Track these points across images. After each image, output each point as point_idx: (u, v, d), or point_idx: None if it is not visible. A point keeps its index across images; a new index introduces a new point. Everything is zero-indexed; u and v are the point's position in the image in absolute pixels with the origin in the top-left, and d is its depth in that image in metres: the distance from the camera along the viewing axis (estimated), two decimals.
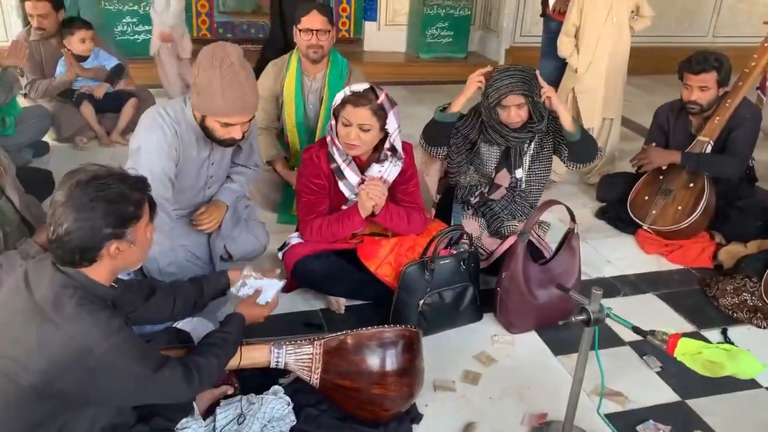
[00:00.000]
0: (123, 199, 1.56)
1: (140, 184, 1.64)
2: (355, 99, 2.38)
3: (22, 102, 4.04)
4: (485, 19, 6.84)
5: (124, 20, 5.55)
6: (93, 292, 1.58)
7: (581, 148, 2.87)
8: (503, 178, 2.96)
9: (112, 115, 4.21)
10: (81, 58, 4.11)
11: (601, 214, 3.69)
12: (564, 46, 3.88)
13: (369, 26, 6.57)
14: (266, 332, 2.37)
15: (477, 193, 3.00)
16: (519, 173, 2.92)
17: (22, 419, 1.56)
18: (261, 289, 2.16)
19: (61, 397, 1.56)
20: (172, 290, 2.06)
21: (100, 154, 4.07)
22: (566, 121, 2.80)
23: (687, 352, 1.63)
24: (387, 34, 6.58)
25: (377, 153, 2.54)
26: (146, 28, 5.59)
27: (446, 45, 6.52)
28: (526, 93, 2.68)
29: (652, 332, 1.75)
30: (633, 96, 6.02)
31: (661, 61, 6.90)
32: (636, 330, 1.80)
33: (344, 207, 2.60)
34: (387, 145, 2.49)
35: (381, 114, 2.41)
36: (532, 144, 2.90)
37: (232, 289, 2.19)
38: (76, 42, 4.06)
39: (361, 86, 2.41)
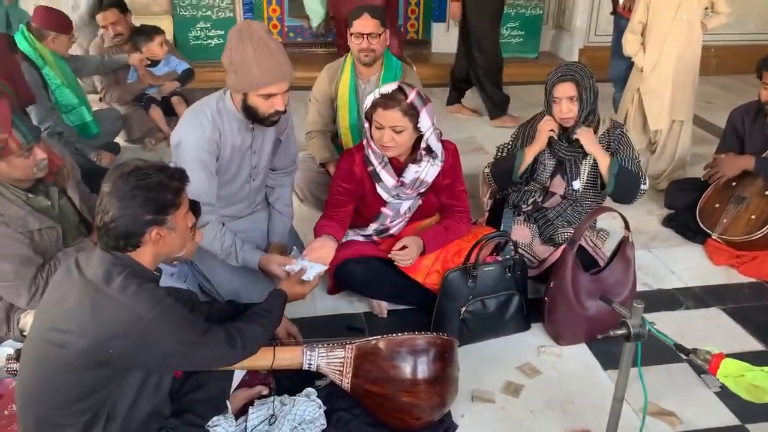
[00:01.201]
0: (161, 188, 1.67)
1: (178, 174, 1.74)
2: (384, 101, 2.34)
3: (96, 105, 4.27)
4: (558, 18, 6.64)
5: (198, 26, 5.74)
6: (141, 273, 1.69)
7: (616, 195, 2.82)
8: (558, 186, 2.86)
9: (177, 118, 4.36)
10: (152, 64, 4.28)
11: (668, 222, 3.49)
12: (629, 44, 3.71)
13: (437, 27, 6.49)
14: (308, 334, 2.39)
15: (531, 201, 2.92)
16: (576, 184, 2.82)
17: (68, 391, 1.67)
18: (305, 269, 2.25)
19: (108, 366, 1.66)
20: (206, 312, 2.09)
21: (167, 154, 4.17)
22: (602, 168, 2.76)
23: (730, 374, 1.52)
24: (456, 35, 6.45)
25: (414, 153, 2.50)
26: (219, 32, 5.77)
27: (517, 45, 6.37)
28: (573, 78, 2.63)
29: (695, 351, 1.64)
30: (716, 97, 5.69)
31: (749, 61, 6.49)
32: (678, 348, 1.68)
33: (383, 209, 2.59)
34: (423, 145, 2.45)
35: (413, 113, 2.36)
36: (590, 157, 2.79)
37: None
38: (156, 46, 4.23)
39: (389, 87, 2.37)
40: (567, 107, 2.67)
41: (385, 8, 3.20)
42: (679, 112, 3.73)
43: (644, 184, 2.84)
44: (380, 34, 3.05)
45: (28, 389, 1.73)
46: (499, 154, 3.02)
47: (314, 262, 2.32)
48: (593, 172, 2.82)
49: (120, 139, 4.27)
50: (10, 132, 2.08)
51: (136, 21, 4.62)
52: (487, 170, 3.01)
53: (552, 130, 2.75)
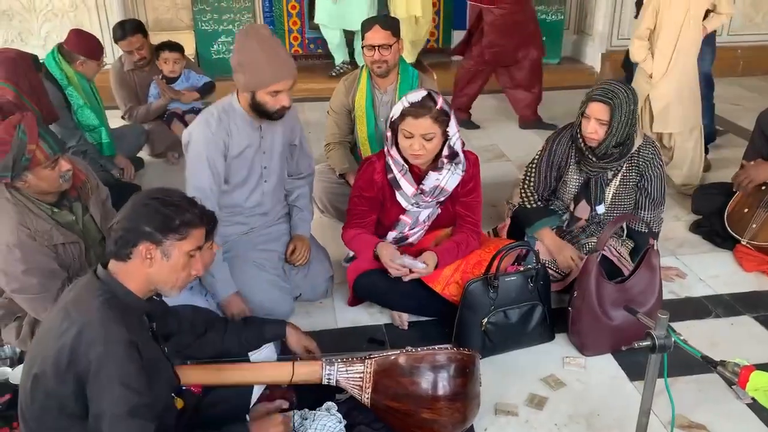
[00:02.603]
0: (174, 209, 1.62)
1: (201, 211, 1.67)
2: (415, 110, 2.33)
3: (119, 122, 4.34)
4: (579, 23, 6.57)
5: (219, 40, 5.79)
6: (124, 300, 1.62)
7: None
8: (583, 211, 2.78)
9: None
10: (171, 80, 4.32)
11: (695, 228, 3.41)
12: (637, 50, 3.61)
13: (458, 35, 6.44)
14: (329, 346, 2.37)
15: (554, 228, 2.83)
16: (600, 209, 2.74)
17: (47, 424, 1.62)
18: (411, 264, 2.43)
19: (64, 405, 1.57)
20: (222, 330, 2.10)
21: None
22: None
23: (760, 387, 1.46)
24: None
25: (435, 161, 2.48)
26: None
27: None
28: (609, 102, 2.49)
29: (723, 363, 1.59)
30: (743, 99, 5.57)
31: None
32: (705, 359, 1.63)
33: (402, 217, 2.57)
34: (445, 152, 2.43)
35: (443, 120, 2.36)
36: (617, 179, 2.72)
37: None
38: (162, 62, 4.28)
39: (418, 95, 2.36)
40: (593, 128, 2.55)
41: (397, 20, 3.18)
42: (692, 116, 3.66)
43: (662, 212, 2.82)
44: (391, 45, 3.04)
45: (22, 414, 1.69)
46: (527, 177, 2.87)
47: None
48: (618, 195, 2.74)
49: (143, 154, 4.33)
50: (37, 143, 2.12)
51: (161, 37, 4.68)
52: (511, 205, 2.94)
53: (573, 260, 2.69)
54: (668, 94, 3.58)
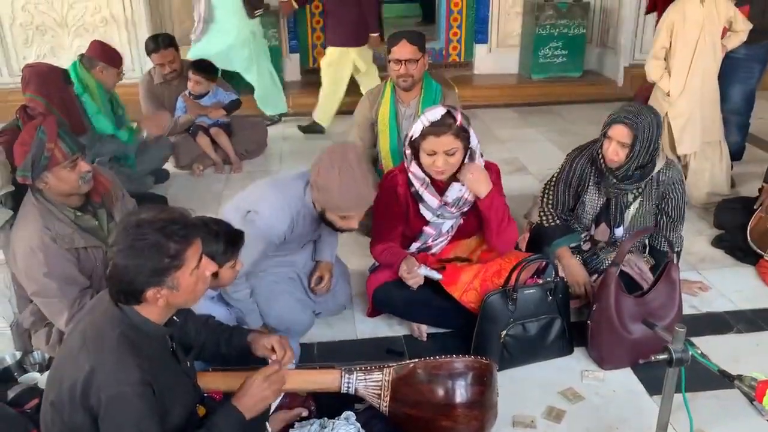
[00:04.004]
0: (156, 251, 1.55)
1: (179, 235, 1.58)
2: (436, 129, 2.36)
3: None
4: (602, 36, 6.57)
5: None
6: (143, 330, 1.61)
7: None
8: (602, 234, 2.78)
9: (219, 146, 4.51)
10: (199, 96, 4.42)
11: (717, 243, 3.39)
12: (654, 69, 3.62)
13: (480, 49, 6.53)
14: (348, 357, 2.40)
15: (574, 246, 2.83)
16: (619, 232, 2.73)
17: None
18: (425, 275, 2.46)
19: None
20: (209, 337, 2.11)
21: (214, 181, 4.35)
22: None
23: None
24: (498, 56, 6.50)
25: (458, 172, 2.49)
26: None
27: (560, 65, 6.33)
28: (632, 126, 2.46)
29: (740, 377, 1.59)
30: None
31: None
32: (722, 374, 1.64)
33: (426, 228, 2.60)
34: (466, 161, 2.45)
35: (464, 135, 2.40)
36: (636, 202, 2.70)
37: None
38: (192, 83, 4.41)
39: (437, 113, 2.38)
40: (614, 149, 2.53)
41: (423, 35, 3.22)
42: (713, 132, 3.64)
43: (682, 230, 2.79)
44: (418, 60, 3.09)
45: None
46: (546, 196, 2.89)
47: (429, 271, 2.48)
48: (637, 218, 2.72)
49: (169, 166, 4.42)
50: (55, 142, 2.18)
51: (186, 52, 4.80)
52: (529, 222, 2.94)
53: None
54: (687, 112, 3.58)
